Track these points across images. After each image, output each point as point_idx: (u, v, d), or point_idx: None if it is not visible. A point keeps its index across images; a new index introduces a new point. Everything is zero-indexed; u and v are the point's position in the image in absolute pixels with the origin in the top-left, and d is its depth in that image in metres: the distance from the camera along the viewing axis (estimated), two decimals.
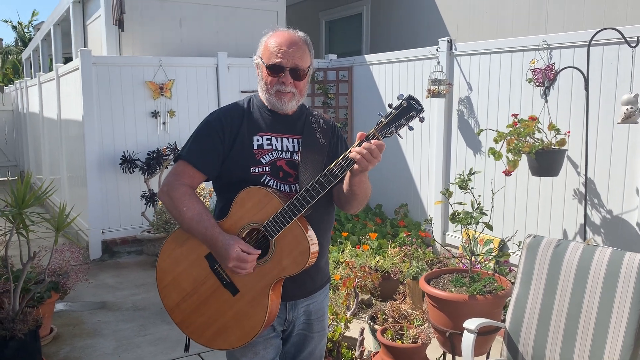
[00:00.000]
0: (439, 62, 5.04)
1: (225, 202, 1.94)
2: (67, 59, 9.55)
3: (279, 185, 1.91)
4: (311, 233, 1.85)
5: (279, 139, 1.96)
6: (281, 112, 1.96)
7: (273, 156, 1.93)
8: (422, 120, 1.76)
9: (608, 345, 2.26)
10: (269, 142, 1.95)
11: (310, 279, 2.01)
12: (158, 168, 5.83)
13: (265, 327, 1.85)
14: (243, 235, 1.86)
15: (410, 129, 1.79)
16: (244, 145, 1.92)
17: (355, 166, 1.76)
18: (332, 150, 2.02)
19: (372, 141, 1.75)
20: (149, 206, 5.86)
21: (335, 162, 1.79)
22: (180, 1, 6.82)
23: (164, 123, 6.10)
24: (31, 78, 10.78)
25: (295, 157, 1.95)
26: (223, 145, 1.91)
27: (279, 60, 1.87)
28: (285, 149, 1.96)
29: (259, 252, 1.81)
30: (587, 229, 3.95)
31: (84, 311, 4.53)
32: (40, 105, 8.54)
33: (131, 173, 5.83)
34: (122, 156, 5.80)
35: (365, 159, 1.74)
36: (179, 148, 5.90)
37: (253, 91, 6.53)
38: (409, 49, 5.77)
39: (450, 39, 5.09)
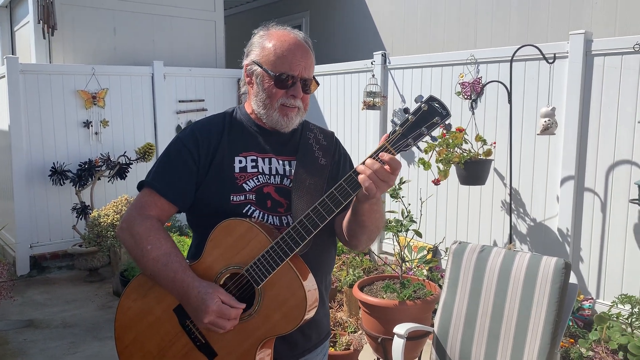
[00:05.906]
0: (373, 75, 5.17)
1: (201, 239, 1.56)
2: None
3: (266, 218, 1.55)
4: (309, 278, 1.47)
5: (266, 160, 1.62)
6: (282, 130, 1.62)
7: (259, 181, 1.58)
8: (448, 128, 1.43)
9: (527, 344, 2.38)
10: (254, 163, 1.60)
11: (303, 337, 1.60)
12: (90, 180, 5.66)
13: None
14: (221, 283, 1.47)
15: (433, 139, 1.45)
16: (223, 168, 1.57)
17: (363, 191, 1.39)
18: (333, 171, 1.68)
19: (383, 156, 1.41)
20: (80, 219, 5.67)
21: (337, 184, 1.40)
22: (114, 9, 6.66)
23: (96, 133, 5.93)
24: None
25: (286, 182, 1.60)
26: (198, 168, 1.56)
27: (291, 69, 1.55)
28: (274, 172, 1.61)
29: (244, 306, 1.43)
30: (513, 236, 4.14)
31: (9, 330, 4.31)
32: None
33: (62, 185, 5.62)
34: (52, 167, 5.58)
35: (373, 182, 1.38)
36: (112, 159, 5.75)
37: (190, 101, 6.59)
38: (346, 62, 5.89)
39: (385, 53, 5.23)
